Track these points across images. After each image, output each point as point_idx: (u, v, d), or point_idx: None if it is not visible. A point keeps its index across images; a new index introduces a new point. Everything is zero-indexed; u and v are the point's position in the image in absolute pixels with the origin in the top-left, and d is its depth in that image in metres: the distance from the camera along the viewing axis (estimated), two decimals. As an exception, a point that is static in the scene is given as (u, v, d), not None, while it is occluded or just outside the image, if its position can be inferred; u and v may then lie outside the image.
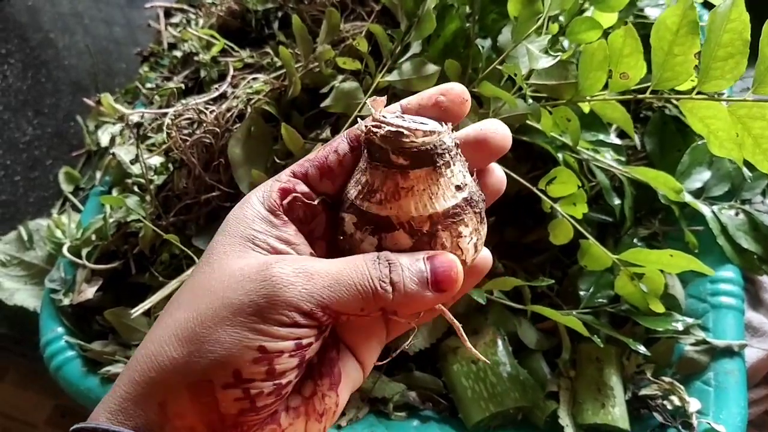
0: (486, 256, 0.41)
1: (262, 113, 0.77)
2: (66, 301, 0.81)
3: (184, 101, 0.86)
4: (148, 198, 0.82)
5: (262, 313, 0.33)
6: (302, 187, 0.39)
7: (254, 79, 0.83)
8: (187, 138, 0.77)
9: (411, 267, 0.35)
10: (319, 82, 0.76)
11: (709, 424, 0.64)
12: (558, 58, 0.58)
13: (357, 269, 0.35)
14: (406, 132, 0.35)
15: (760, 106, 0.50)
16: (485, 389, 0.69)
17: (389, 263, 0.35)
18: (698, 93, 0.53)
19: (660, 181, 0.70)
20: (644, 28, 0.75)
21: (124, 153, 0.89)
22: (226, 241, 0.37)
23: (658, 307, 0.67)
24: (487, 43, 0.70)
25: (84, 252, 0.83)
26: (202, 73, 0.93)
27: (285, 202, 0.38)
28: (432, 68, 0.67)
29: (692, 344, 0.69)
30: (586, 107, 0.65)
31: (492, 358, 0.70)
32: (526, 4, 0.61)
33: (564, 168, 0.65)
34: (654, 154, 0.79)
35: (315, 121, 0.78)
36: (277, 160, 0.74)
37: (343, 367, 0.39)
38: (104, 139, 1.12)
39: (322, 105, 0.73)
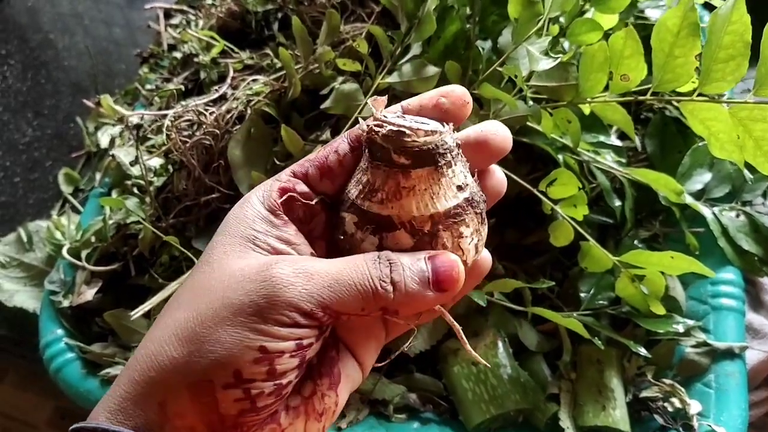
0: (486, 257, 0.41)
1: (262, 115, 0.77)
2: (66, 303, 0.81)
3: (183, 103, 0.86)
4: (147, 200, 0.82)
5: (262, 313, 0.33)
6: (302, 187, 0.39)
7: (254, 80, 0.83)
8: (187, 140, 0.77)
9: (412, 266, 0.35)
10: (319, 83, 0.76)
11: (709, 426, 0.63)
12: (558, 60, 0.58)
13: (357, 269, 0.35)
14: (407, 131, 0.35)
15: (761, 108, 0.50)
16: (486, 391, 0.69)
17: (390, 262, 0.35)
18: (699, 95, 0.53)
19: (661, 182, 0.69)
20: (645, 30, 0.75)
21: (124, 154, 0.89)
22: (226, 240, 0.37)
23: (659, 309, 0.67)
24: (488, 44, 0.70)
25: (84, 254, 0.83)
26: (202, 75, 0.93)
27: (281, 201, 0.38)
28: (432, 70, 0.67)
29: (693, 346, 0.69)
30: (586, 109, 0.65)
31: (492, 360, 0.70)
32: (527, 6, 0.61)
33: (564, 170, 0.65)
34: (655, 156, 0.79)
35: (315, 122, 0.78)
36: (277, 162, 0.74)
37: (343, 367, 0.39)
38: (104, 140, 1.12)
39: (322, 106, 0.73)
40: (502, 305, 0.71)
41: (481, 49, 0.68)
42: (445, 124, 0.37)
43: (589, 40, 0.61)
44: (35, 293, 0.91)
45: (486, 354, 0.70)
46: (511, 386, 0.69)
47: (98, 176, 1.00)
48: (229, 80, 0.85)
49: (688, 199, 0.71)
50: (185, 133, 0.79)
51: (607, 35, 0.59)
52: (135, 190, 0.87)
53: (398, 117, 0.37)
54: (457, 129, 0.38)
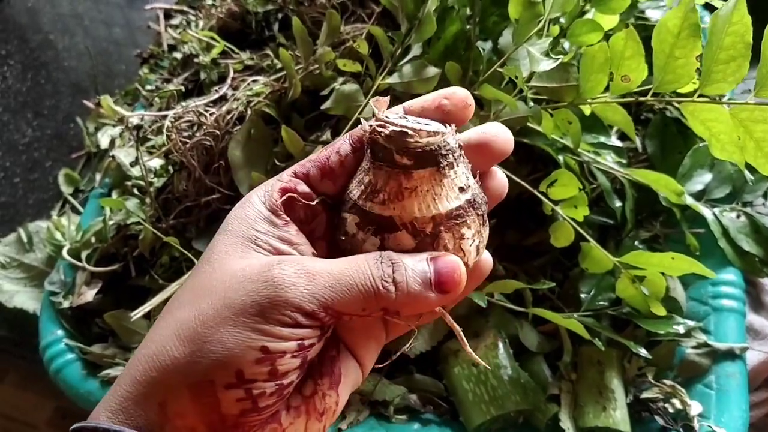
0: (487, 258, 0.41)
1: (263, 115, 0.77)
2: (66, 304, 0.81)
3: (184, 103, 0.86)
4: (147, 200, 0.82)
5: (264, 313, 0.33)
6: (303, 187, 0.39)
7: (254, 81, 0.83)
8: (187, 140, 0.77)
9: (415, 267, 0.35)
10: (320, 84, 0.76)
11: (710, 427, 0.63)
12: (559, 61, 0.58)
13: (359, 269, 0.35)
14: (410, 132, 0.35)
15: (762, 110, 0.50)
16: (486, 392, 0.69)
17: (392, 262, 0.35)
18: (700, 96, 0.53)
19: (661, 183, 0.69)
20: (645, 30, 0.75)
21: (124, 155, 0.89)
22: (227, 240, 0.37)
23: (660, 310, 0.67)
24: (488, 45, 0.69)
25: (84, 254, 0.83)
26: (202, 75, 0.93)
27: (281, 201, 0.38)
28: (432, 71, 0.67)
29: (693, 347, 0.69)
30: (587, 110, 0.65)
31: (493, 360, 0.70)
32: (527, 7, 0.61)
33: (565, 171, 0.65)
34: (655, 157, 0.79)
35: (315, 123, 0.78)
36: (278, 163, 0.74)
37: (343, 367, 0.39)
38: (104, 141, 1.12)
39: (323, 107, 0.72)
40: (502, 306, 0.71)
41: (481, 50, 0.68)
42: (447, 125, 0.37)
43: (590, 41, 0.61)
44: (35, 294, 0.91)
45: (486, 355, 0.70)
46: (511, 387, 0.69)
47: (98, 177, 1.00)
48: (229, 81, 0.85)
49: (689, 200, 0.71)
50: (185, 133, 0.79)
51: (607, 36, 0.59)
52: (135, 190, 0.87)
53: (401, 118, 0.37)
54: (458, 131, 0.38)
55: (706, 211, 0.73)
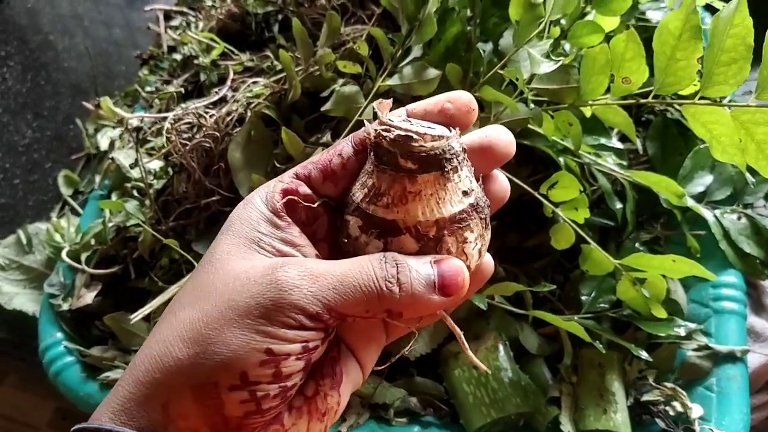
0: (489, 262, 0.41)
1: (262, 117, 0.77)
2: (65, 306, 0.80)
3: (183, 105, 0.85)
4: (147, 202, 0.82)
5: (269, 315, 0.33)
6: (304, 189, 0.39)
7: (254, 82, 0.83)
8: (187, 142, 0.77)
9: (419, 269, 0.35)
10: (320, 85, 0.76)
11: (711, 430, 0.63)
12: (560, 63, 0.58)
13: (362, 270, 0.35)
14: (415, 136, 0.35)
15: (763, 112, 0.49)
16: (486, 395, 0.69)
17: (397, 263, 0.35)
18: (701, 98, 0.53)
19: (662, 185, 0.69)
20: (646, 32, 0.75)
21: (124, 157, 0.89)
22: (230, 241, 0.37)
23: (660, 313, 0.67)
24: (489, 47, 0.69)
25: (83, 256, 0.83)
26: (202, 77, 0.92)
27: (281, 203, 0.37)
28: (433, 72, 0.67)
29: (694, 350, 0.69)
30: (587, 111, 0.65)
31: (493, 363, 0.70)
32: (528, 8, 0.61)
33: (566, 173, 0.65)
34: (656, 158, 0.79)
35: (315, 125, 0.78)
36: (278, 165, 0.74)
37: (344, 368, 0.39)
38: (104, 142, 1.12)
39: (323, 109, 0.72)
40: (503, 308, 0.71)
41: (482, 52, 0.67)
42: (451, 128, 0.37)
43: (590, 43, 0.61)
44: (35, 296, 0.91)
45: (487, 357, 0.70)
46: (512, 390, 0.69)
47: (98, 178, 1.00)
48: (229, 82, 0.85)
49: (690, 202, 0.71)
50: (185, 135, 0.79)
51: (608, 38, 0.59)
52: (135, 192, 0.87)
53: (404, 121, 0.37)
54: (461, 134, 0.38)
55: (707, 213, 0.73)
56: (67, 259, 0.83)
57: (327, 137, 0.74)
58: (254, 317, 0.33)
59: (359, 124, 0.69)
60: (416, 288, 0.35)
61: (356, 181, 0.38)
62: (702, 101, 0.53)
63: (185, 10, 1.15)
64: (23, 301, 0.90)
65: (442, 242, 0.36)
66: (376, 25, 0.82)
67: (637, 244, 0.75)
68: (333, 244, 0.40)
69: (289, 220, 0.38)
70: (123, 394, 0.34)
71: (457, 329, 0.38)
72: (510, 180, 0.65)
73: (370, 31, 0.72)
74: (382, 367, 0.42)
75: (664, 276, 0.65)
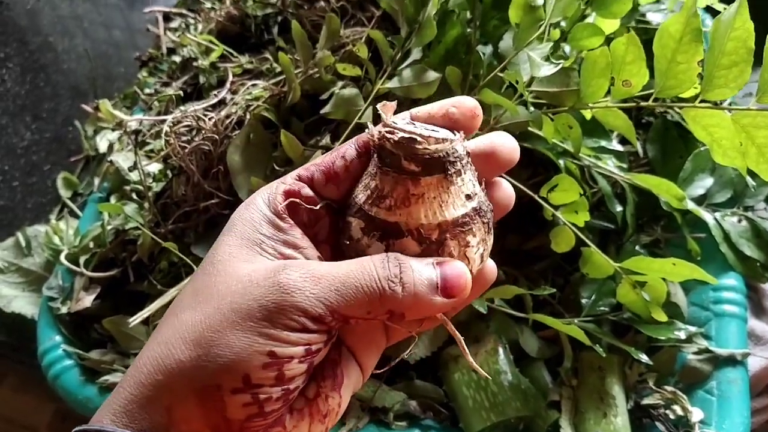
0: (491, 267, 0.41)
1: (262, 120, 0.77)
2: (64, 309, 0.80)
3: (182, 108, 0.85)
4: (146, 205, 0.82)
5: (271, 318, 0.33)
6: (306, 191, 0.39)
7: (253, 85, 0.83)
8: (186, 145, 0.77)
9: (421, 270, 0.35)
10: (319, 88, 0.76)
11: (712, 434, 0.63)
12: (560, 66, 0.58)
13: (364, 270, 0.35)
14: (419, 138, 0.35)
15: (764, 116, 0.49)
16: (486, 398, 0.69)
17: (400, 263, 0.35)
18: (701, 101, 0.53)
19: (662, 188, 0.69)
20: (646, 33, 0.75)
21: (123, 159, 0.89)
22: (232, 242, 0.37)
23: (661, 316, 0.67)
24: (488, 49, 0.69)
25: (82, 260, 0.83)
26: (201, 79, 0.92)
27: (283, 205, 0.37)
28: (433, 75, 0.66)
29: (695, 353, 0.69)
30: (587, 114, 0.65)
31: (493, 366, 0.70)
32: (528, 11, 0.60)
33: (566, 176, 0.65)
34: (656, 161, 0.79)
35: (315, 127, 0.77)
36: (277, 167, 0.73)
37: (345, 369, 0.39)
38: (103, 144, 1.11)
39: (322, 111, 0.72)
40: (502, 311, 0.71)
41: (481, 54, 0.67)
42: (455, 132, 0.37)
43: (591, 45, 0.60)
44: (33, 299, 0.90)
45: (487, 360, 0.70)
46: (511, 393, 0.68)
47: (97, 181, 1.00)
48: (228, 85, 0.85)
49: (690, 205, 0.71)
50: (184, 138, 0.79)
51: (608, 40, 0.58)
52: (134, 195, 0.87)
53: (408, 124, 0.37)
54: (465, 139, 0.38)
55: (708, 216, 0.73)
56: (65, 262, 0.83)
57: (326, 140, 0.73)
58: (257, 320, 0.33)
59: (359, 127, 0.69)
60: (419, 288, 0.34)
61: (359, 183, 0.38)
62: (702, 104, 0.53)
63: (184, 12, 1.15)
64: (22, 303, 0.90)
65: (444, 245, 0.36)
66: (376, 27, 0.81)
67: (637, 247, 0.75)
68: (335, 246, 0.40)
69: (291, 221, 0.38)
70: (124, 396, 0.34)
71: (458, 334, 0.38)
72: (510, 182, 0.65)
73: (370, 34, 0.72)
74: (383, 369, 0.42)
75: (664, 279, 0.65)
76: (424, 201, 0.36)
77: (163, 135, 0.81)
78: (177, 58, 1.03)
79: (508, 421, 0.68)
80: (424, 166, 0.35)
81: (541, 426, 0.68)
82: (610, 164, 0.73)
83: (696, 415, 0.65)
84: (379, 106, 0.37)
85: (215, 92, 0.85)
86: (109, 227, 0.84)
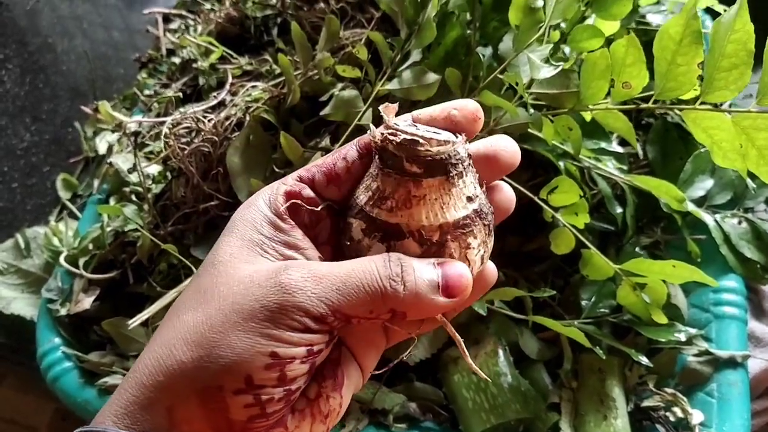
0: (492, 270, 0.41)
1: (261, 121, 0.77)
2: (63, 311, 0.80)
3: (182, 109, 0.85)
4: (146, 207, 0.82)
5: (274, 318, 0.33)
6: (308, 192, 0.39)
7: (253, 86, 0.83)
8: (186, 147, 0.77)
9: (423, 270, 0.35)
10: (319, 90, 0.76)
11: (712, 436, 0.63)
12: (560, 68, 0.58)
13: (366, 269, 0.35)
14: (421, 140, 0.35)
15: (764, 118, 0.49)
16: (486, 400, 0.68)
17: (401, 263, 0.35)
18: (701, 103, 0.53)
19: (662, 190, 0.69)
20: (646, 35, 0.75)
21: (122, 161, 0.89)
22: (233, 243, 0.37)
23: (661, 318, 0.66)
24: (488, 51, 0.69)
25: (81, 261, 0.83)
26: (201, 81, 0.92)
27: (284, 206, 0.37)
28: (432, 77, 0.66)
29: (695, 355, 0.69)
30: (587, 116, 0.65)
31: (493, 368, 0.70)
32: (528, 13, 0.60)
33: (566, 177, 0.65)
34: (656, 162, 0.79)
35: (314, 129, 0.77)
36: (276, 169, 0.73)
37: (345, 370, 0.39)
38: (102, 146, 1.11)
39: (322, 113, 0.72)
40: (502, 313, 0.71)
41: (481, 56, 0.67)
42: (457, 134, 0.37)
43: (590, 47, 0.60)
44: (33, 300, 0.90)
45: (486, 362, 0.70)
46: (511, 395, 0.68)
47: (96, 182, 1.00)
48: (227, 86, 0.85)
49: (690, 207, 0.71)
50: (184, 140, 0.78)
51: (608, 41, 0.58)
52: (133, 197, 0.87)
53: (411, 126, 0.37)
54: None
55: (708, 218, 0.73)
56: (65, 264, 0.83)
57: (326, 142, 0.73)
58: (259, 320, 0.33)
59: (358, 129, 0.69)
60: (420, 288, 0.34)
61: (360, 184, 0.38)
62: (703, 107, 0.53)
63: (184, 13, 1.15)
64: (21, 305, 0.90)
65: (445, 247, 0.36)
66: (376, 29, 0.81)
67: (637, 249, 0.75)
68: (336, 247, 0.40)
69: (292, 222, 0.38)
70: (126, 398, 0.34)
71: (458, 336, 0.38)
72: (510, 184, 0.65)
73: (370, 35, 0.72)
74: (382, 370, 0.42)
75: (664, 281, 0.65)
76: (425, 202, 0.36)
77: (162, 137, 0.81)
78: (176, 60, 1.03)
79: (507, 423, 0.68)
80: (426, 168, 0.35)
81: (541, 428, 0.68)
82: (610, 166, 0.73)
83: (696, 417, 0.65)
84: (381, 107, 0.37)
85: (215, 94, 0.85)
86: (108, 229, 0.84)
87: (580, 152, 0.66)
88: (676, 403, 0.66)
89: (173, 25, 1.15)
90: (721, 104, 0.53)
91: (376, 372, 0.42)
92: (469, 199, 0.37)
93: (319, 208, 0.39)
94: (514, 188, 0.65)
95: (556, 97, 0.62)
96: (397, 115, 0.38)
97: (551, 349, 0.73)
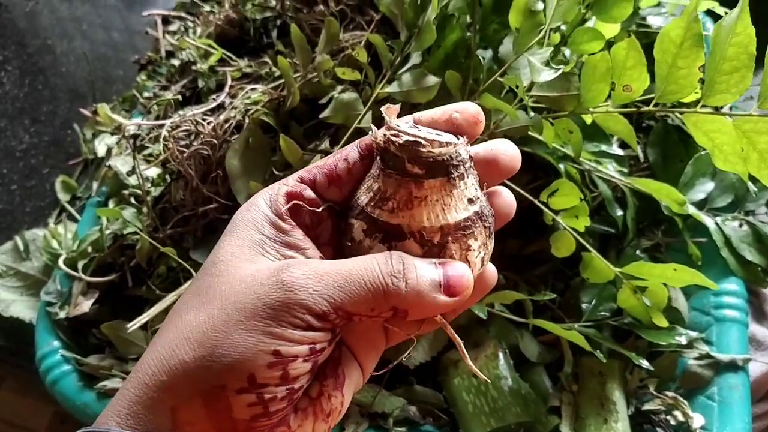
0: (492, 272, 0.41)
1: (260, 124, 0.77)
2: (62, 314, 0.80)
3: (181, 112, 0.85)
4: (145, 210, 0.82)
5: (276, 316, 0.33)
6: (309, 193, 0.39)
7: (252, 89, 0.82)
8: (185, 149, 0.77)
9: (424, 268, 0.35)
10: (318, 92, 0.76)
11: (713, 440, 0.63)
12: (560, 71, 0.57)
13: (367, 266, 0.35)
14: (423, 141, 0.35)
15: (765, 121, 0.49)
16: (486, 404, 0.68)
17: (403, 260, 0.35)
18: (703, 106, 0.53)
19: (663, 192, 0.69)
20: (647, 37, 0.75)
21: (121, 163, 0.88)
22: (235, 243, 0.37)
23: (662, 321, 0.66)
24: (488, 54, 0.69)
25: (80, 264, 0.82)
26: (200, 83, 0.92)
27: (286, 208, 0.38)
28: (432, 80, 0.66)
29: (696, 358, 0.68)
30: (588, 118, 0.65)
31: (493, 371, 0.70)
32: (528, 16, 0.60)
33: (566, 180, 0.65)
34: (657, 165, 0.78)
35: (314, 132, 0.77)
36: (276, 172, 0.73)
37: (346, 368, 0.39)
38: (101, 148, 1.11)
39: (321, 116, 0.72)
40: (503, 316, 0.71)
41: (481, 59, 0.67)
42: (459, 136, 0.37)
43: (591, 50, 0.60)
44: (32, 303, 0.90)
45: (487, 365, 0.70)
46: (511, 398, 0.68)
47: (95, 185, 1.00)
48: (227, 89, 0.84)
49: (691, 209, 0.71)
50: (183, 142, 0.78)
51: (609, 44, 0.58)
52: (132, 199, 0.87)
53: (412, 127, 0.37)
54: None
55: (708, 221, 0.73)
56: (64, 267, 0.83)
57: (325, 144, 0.73)
58: (261, 318, 0.33)
59: (358, 131, 0.69)
60: (422, 285, 0.35)
61: (361, 184, 0.39)
62: (704, 110, 0.53)
63: (183, 15, 1.15)
64: (20, 308, 0.90)
65: (446, 248, 0.36)
66: (375, 31, 0.81)
67: (637, 251, 0.74)
68: (337, 248, 0.40)
69: (293, 223, 0.38)
70: (129, 398, 0.34)
71: (457, 337, 0.38)
72: (509, 187, 0.65)
73: (369, 38, 0.72)
74: (382, 372, 0.42)
75: (665, 284, 0.65)
76: (426, 204, 0.36)
77: (161, 139, 0.80)
78: (176, 62, 1.03)
79: (508, 427, 0.68)
80: (428, 169, 0.35)
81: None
82: (610, 168, 0.73)
83: (697, 420, 0.65)
84: (383, 108, 0.37)
85: (214, 96, 0.85)
86: (107, 232, 0.83)
87: (580, 155, 0.66)
88: (676, 407, 0.66)
89: (173, 27, 1.15)
90: (722, 107, 0.52)
91: (376, 373, 0.42)
92: (470, 200, 0.37)
93: (320, 209, 0.39)
94: (515, 191, 0.65)
95: (557, 100, 0.62)
96: (398, 117, 0.38)
97: (551, 353, 0.73)
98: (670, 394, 0.67)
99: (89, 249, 0.84)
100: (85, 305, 0.79)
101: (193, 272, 0.73)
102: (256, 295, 0.34)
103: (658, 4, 0.80)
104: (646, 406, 0.68)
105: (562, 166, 0.69)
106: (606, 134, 0.74)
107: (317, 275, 0.34)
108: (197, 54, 0.96)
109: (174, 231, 0.79)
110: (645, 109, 0.57)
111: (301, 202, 0.38)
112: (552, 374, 0.72)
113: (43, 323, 0.81)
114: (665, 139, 0.79)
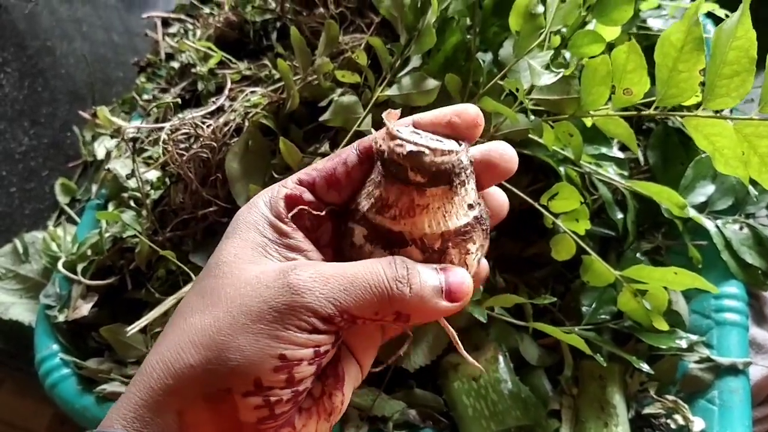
0: (483, 264, 0.42)
1: (260, 127, 0.76)
2: (61, 318, 0.80)
3: (181, 115, 0.85)
4: (144, 213, 0.82)
5: (282, 320, 0.33)
6: (308, 196, 0.39)
7: (252, 92, 0.82)
8: (184, 152, 0.76)
9: (427, 274, 0.36)
10: (318, 95, 0.75)
11: (713, 444, 0.63)
12: (560, 74, 0.57)
13: (372, 271, 0.35)
14: (426, 150, 0.35)
15: (766, 125, 0.49)
16: (486, 407, 0.68)
17: (407, 265, 0.35)
18: (703, 110, 0.52)
19: (663, 195, 0.69)
20: (647, 40, 0.75)
21: (121, 166, 0.88)
22: (237, 244, 0.37)
23: (662, 324, 0.66)
24: (488, 57, 0.69)
25: (79, 267, 0.82)
26: (200, 86, 0.92)
27: (291, 214, 0.38)
28: (432, 83, 0.66)
29: (696, 362, 0.68)
30: (588, 121, 0.65)
31: (493, 374, 0.69)
32: (528, 19, 0.60)
33: (566, 184, 0.65)
34: (657, 168, 0.78)
35: (314, 134, 0.77)
36: (275, 175, 0.73)
37: (345, 367, 0.39)
38: (101, 150, 1.11)
39: (321, 119, 0.72)
40: (503, 319, 0.71)
41: (481, 62, 0.67)
42: (460, 142, 0.37)
43: (591, 52, 0.60)
44: (31, 306, 0.90)
45: (486, 368, 0.70)
46: (511, 402, 0.68)
47: (95, 187, 1.00)
48: (226, 91, 0.84)
49: (691, 212, 0.71)
50: (182, 145, 0.78)
51: (609, 47, 0.58)
52: (131, 202, 0.87)
53: (413, 133, 0.37)
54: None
55: (709, 224, 0.73)
56: (63, 270, 0.83)
57: (325, 147, 0.73)
58: (267, 322, 0.33)
59: (358, 134, 0.69)
60: (425, 291, 0.35)
61: (362, 189, 0.39)
62: (704, 113, 0.52)
63: (183, 17, 1.14)
64: (19, 311, 0.89)
65: (446, 254, 0.37)
66: (375, 34, 0.81)
67: (638, 255, 0.74)
68: (337, 250, 0.40)
69: (293, 225, 0.38)
70: (135, 401, 0.34)
71: (450, 329, 0.39)
72: (510, 190, 0.65)
73: (369, 41, 0.71)
74: (378, 368, 0.43)
75: (665, 287, 0.65)
76: (428, 211, 0.36)
77: (161, 142, 0.80)
78: (175, 64, 1.03)
79: (508, 430, 0.67)
80: (431, 178, 0.35)
81: (542, 435, 0.68)
82: (610, 171, 0.73)
83: (697, 424, 0.64)
84: (384, 114, 0.37)
85: (213, 99, 0.85)
86: (106, 235, 0.83)
87: (580, 158, 0.66)
88: (677, 410, 0.66)
89: (172, 29, 1.15)
90: (723, 111, 0.52)
91: (375, 370, 0.43)
92: (470, 206, 0.37)
93: (323, 213, 0.39)
94: (515, 194, 0.65)
95: (557, 103, 0.62)
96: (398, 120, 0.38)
97: (552, 356, 0.73)
98: (671, 397, 0.67)
99: (88, 252, 0.84)
100: (85, 308, 0.79)
101: (192, 275, 0.73)
102: (261, 297, 0.34)
103: (659, 7, 0.80)
104: (647, 410, 0.67)
105: (562, 169, 0.69)
106: (606, 137, 0.74)
107: (323, 278, 0.34)
108: (197, 56, 0.96)
109: (173, 234, 0.79)
110: (645, 112, 0.57)
111: (306, 207, 0.38)
112: (552, 377, 0.72)
113: (43, 326, 0.81)
114: (665, 142, 0.79)
